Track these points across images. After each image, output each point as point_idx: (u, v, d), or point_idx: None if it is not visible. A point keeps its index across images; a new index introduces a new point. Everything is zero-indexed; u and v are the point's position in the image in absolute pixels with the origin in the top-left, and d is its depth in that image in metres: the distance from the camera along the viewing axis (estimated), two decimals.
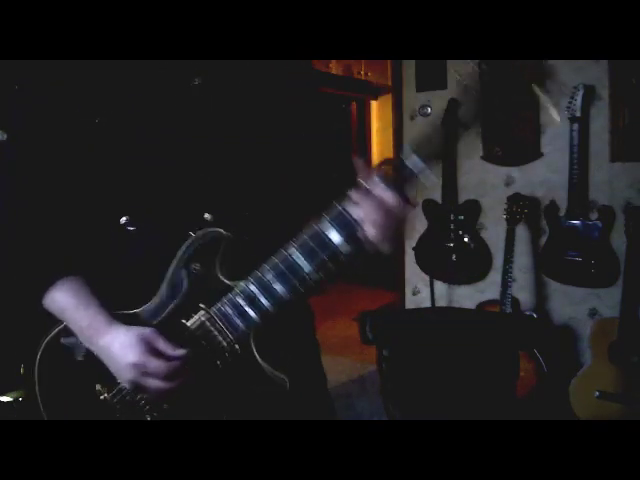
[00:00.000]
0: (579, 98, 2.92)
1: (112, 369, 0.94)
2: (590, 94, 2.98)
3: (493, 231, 3.40)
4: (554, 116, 0.90)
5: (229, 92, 1.03)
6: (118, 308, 0.97)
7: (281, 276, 0.92)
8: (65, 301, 0.95)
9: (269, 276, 0.92)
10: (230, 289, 0.94)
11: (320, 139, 1.18)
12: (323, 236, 0.91)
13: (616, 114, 2.97)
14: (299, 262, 0.92)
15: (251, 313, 0.93)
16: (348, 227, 0.91)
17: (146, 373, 0.91)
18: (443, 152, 0.93)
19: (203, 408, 0.97)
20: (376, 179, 0.91)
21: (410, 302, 3.86)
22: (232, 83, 1.03)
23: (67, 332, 0.98)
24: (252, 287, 0.93)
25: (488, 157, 3.38)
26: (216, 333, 0.94)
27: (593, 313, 3.13)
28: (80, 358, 0.98)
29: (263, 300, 0.93)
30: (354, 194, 0.92)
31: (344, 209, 0.92)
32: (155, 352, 0.91)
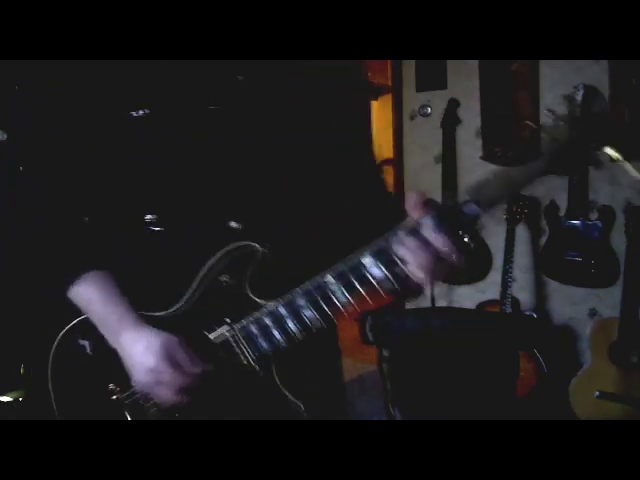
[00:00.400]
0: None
1: (128, 367, 0.93)
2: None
3: (493, 231, 3.40)
4: (635, 175, 0.83)
5: (270, 92, 1.00)
6: (141, 309, 0.96)
7: (314, 303, 0.89)
8: (94, 294, 0.95)
9: (301, 301, 0.90)
10: (258, 307, 0.92)
11: (358, 145, 1.12)
12: (364, 270, 0.88)
13: (616, 114, 2.97)
14: (335, 292, 0.89)
15: (277, 336, 0.91)
16: (391, 265, 0.87)
17: (160, 382, 0.90)
18: (501, 197, 0.89)
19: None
20: (428, 220, 0.87)
21: (410, 302, 3.85)
22: (272, 84, 1.00)
23: (82, 328, 0.97)
24: (282, 309, 0.91)
25: (488, 157, 3.38)
26: (238, 351, 0.92)
27: (593, 313, 3.13)
28: (95, 355, 0.97)
29: (291, 324, 0.90)
30: (403, 232, 0.87)
31: (390, 246, 0.88)
32: (174, 363, 0.90)
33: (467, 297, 3.55)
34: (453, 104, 3.46)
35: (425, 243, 0.86)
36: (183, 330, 0.93)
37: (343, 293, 0.88)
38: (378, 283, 0.88)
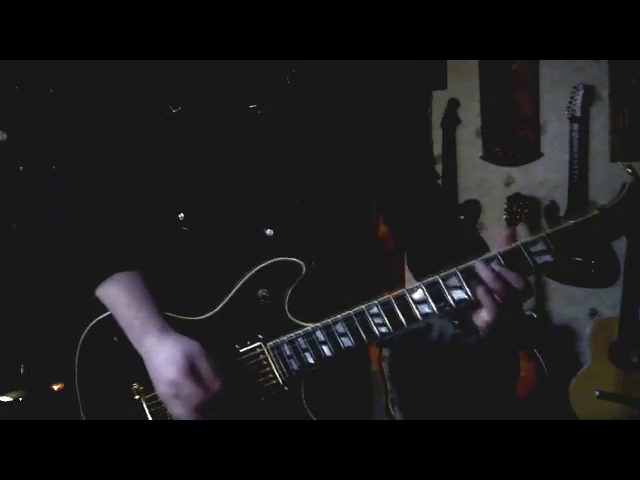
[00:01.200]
0: (579, 98, 2.91)
1: (150, 375, 0.91)
2: (590, 94, 2.98)
3: (493, 231, 3.40)
4: None
5: (316, 96, 0.96)
6: (172, 311, 0.94)
7: (353, 331, 0.86)
8: (119, 296, 0.93)
9: (340, 328, 0.87)
10: (295, 327, 0.90)
11: (414, 156, 1.07)
12: (411, 304, 0.83)
13: (616, 114, 2.97)
14: (376, 324, 0.85)
15: (309, 359, 0.89)
16: (443, 302, 0.81)
17: (178, 396, 0.87)
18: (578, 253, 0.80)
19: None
20: (498, 266, 0.79)
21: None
22: (317, 89, 0.97)
23: (112, 322, 0.95)
24: (319, 333, 0.88)
25: (488, 157, 3.38)
26: (268, 369, 0.91)
27: (593, 313, 3.13)
28: (123, 350, 0.95)
29: (326, 349, 0.88)
30: (481, 267, 0.79)
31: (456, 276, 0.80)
32: (195, 375, 0.87)
33: None
34: (453, 104, 3.46)
35: (499, 280, 0.79)
36: (213, 339, 0.91)
37: (386, 325, 0.84)
38: (427, 319, 0.83)
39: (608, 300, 3.01)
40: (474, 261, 0.80)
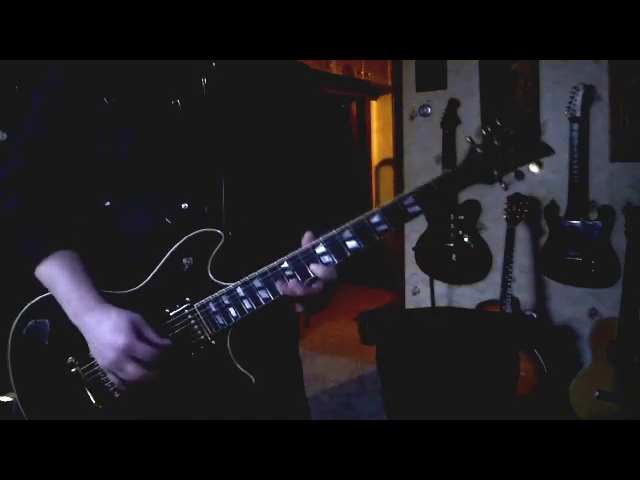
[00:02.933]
0: (579, 98, 2.92)
1: (93, 346, 0.97)
2: (590, 94, 2.98)
3: (493, 231, 3.40)
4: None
5: (234, 89, 1.07)
6: (105, 287, 1.01)
7: (269, 285, 0.97)
8: (59, 272, 1.00)
9: (257, 283, 0.97)
10: (217, 288, 0.99)
11: (317, 140, 1.20)
12: (316, 257, 0.97)
13: (616, 114, 2.97)
14: (287, 276, 0.96)
15: (233, 313, 0.98)
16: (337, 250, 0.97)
17: (132, 357, 0.94)
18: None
19: (168, 395, 1.00)
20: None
21: (410, 302, 3.86)
22: (237, 81, 1.07)
23: (41, 307, 1.03)
24: (239, 289, 0.98)
25: None
26: (196, 327, 0.99)
27: (593, 313, 3.13)
28: (54, 331, 1.02)
29: (247, 303, 0.98)
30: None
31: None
32: (144, 338, 0.95)
33: (467, 297, 3.55)
34: (453, 104, 3.46)
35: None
36: (144, 307, 0.98)
37: (296, 277, 0.96)
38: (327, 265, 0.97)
39: (608, 300, 3.01)
40: (361, 216, 0.96)
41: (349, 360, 4.02)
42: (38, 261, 1.01)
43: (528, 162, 1.02)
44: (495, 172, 1.02)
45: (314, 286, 0.95)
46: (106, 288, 1.01)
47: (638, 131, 2.92)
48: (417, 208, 0.97)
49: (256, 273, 0.97)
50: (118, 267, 1.04)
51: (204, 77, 1.04)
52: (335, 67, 4.79)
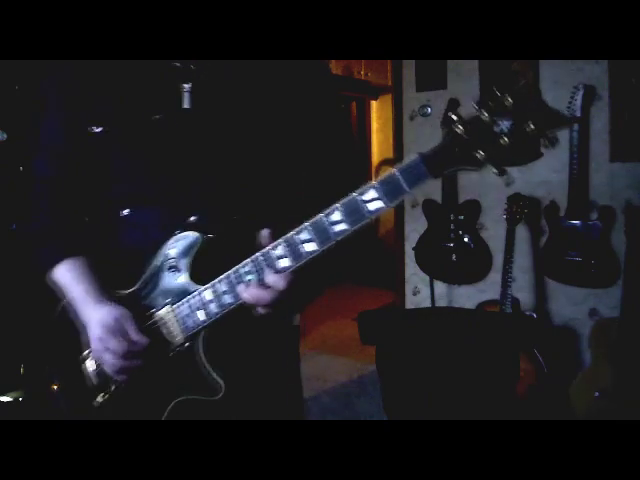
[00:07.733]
0: (579, 98, 2.92)
1: (89, 337, 1.07)
2: (590, 94, 2.98)
3: (493, 231, 3.40)
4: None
5: (230, 89, 1.08)
6: (113, 288, 1.12)
7: (231, 289, 0.98)
8: (67, 276, 1.12)
9: (223, 287, 0.99)
10: (192, 291, 1.03)
11: (319, 141, 1.19)
12: (275, 261, 0.95)
13: (616, 114, 2.97)
14: (250, 280, 0.97)
15: (201, 316, 1.02)
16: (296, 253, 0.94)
17: (107, 349, 1.03)
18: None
19: (149, 390, 1.07)
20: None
21: (410, 302, 3.86)
22: (233, 81, 1.08)
23: (63, 311, 1.14)
24: (206, 293, 1.01)
25: None
26: (172, 329, 1.05)
27: (593, 313, 3.13)
28: (73, 328, 1.12)
29: (213, 306, 1.00)
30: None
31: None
32: (122, 332, 1.03)
33: (467, 297, 3.55)
34: (453, 104, 3.46)
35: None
36: (137, 307, 1.07)
37: (257, 281, 0.96)
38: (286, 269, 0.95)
39: (608, 300, 3.01)
40: (320, 215, 0.91)
41: (349, 360, 4.02)
42: (53, 266, 1.12)
43: (538, 136, 0.84)
44: (479, 153, 0.85)
45: (275, 289, 0.94)
46: (115, 288, 1.11)
47: (638, 131, 2.92)
48: (380, 204, 0.87)
49: (223, 276, 0.99)
50: (124, 269, 1.12)
51: (187, 82, 1.06)
52: (335, 67, 4.80)
